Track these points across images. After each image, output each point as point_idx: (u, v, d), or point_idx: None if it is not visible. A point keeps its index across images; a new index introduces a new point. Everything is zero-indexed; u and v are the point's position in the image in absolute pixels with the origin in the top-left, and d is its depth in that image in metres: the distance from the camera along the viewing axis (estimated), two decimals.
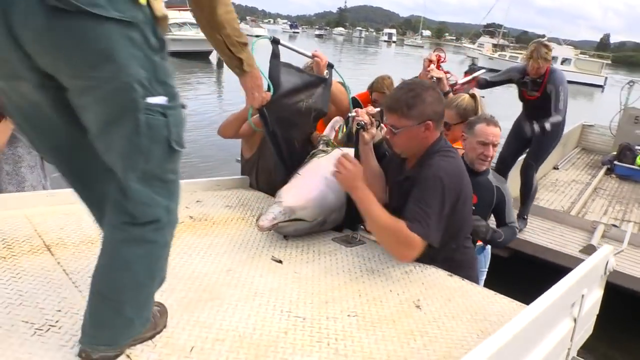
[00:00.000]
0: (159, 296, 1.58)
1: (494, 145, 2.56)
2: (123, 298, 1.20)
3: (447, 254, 2.07)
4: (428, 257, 2.01)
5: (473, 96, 2.84)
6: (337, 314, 1.61)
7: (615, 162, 8.41)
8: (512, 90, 4.77)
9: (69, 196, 2.33)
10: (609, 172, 8.39)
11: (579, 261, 3.94)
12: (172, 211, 1.22)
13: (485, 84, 4.13)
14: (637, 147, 8.51)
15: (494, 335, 1.07)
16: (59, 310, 1.44)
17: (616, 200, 6.92)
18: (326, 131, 2.75)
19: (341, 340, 1.46)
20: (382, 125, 2.38)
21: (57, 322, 1.38)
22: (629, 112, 9.26)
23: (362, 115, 2.18)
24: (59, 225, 2.08)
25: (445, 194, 1.90)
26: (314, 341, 1.44)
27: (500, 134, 2.59)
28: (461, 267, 2.09)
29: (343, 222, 2.40)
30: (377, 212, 1.88)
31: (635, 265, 4.12)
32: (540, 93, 4.21)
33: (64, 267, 1.72)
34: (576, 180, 7.70)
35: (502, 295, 1.93)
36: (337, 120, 2.43)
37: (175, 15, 30.32)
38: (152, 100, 1.10)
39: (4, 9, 0.97)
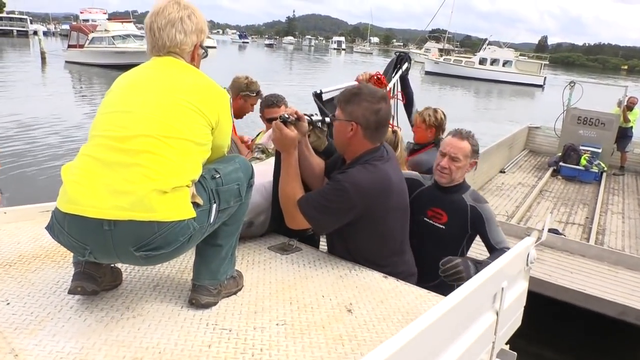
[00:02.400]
0: (74, 314, 1.53)
1: (452, 159, 2.43)
2: (220, 242, 1.69)
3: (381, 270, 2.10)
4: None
5: (394, 132, 2.72)
6: (265, 323, 1.59)
7: (561, 164, 8.51)
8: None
9: None
10: (555, 173, 8.50)
11: None
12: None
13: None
14: (581, 148, 8.64)
15: (406, 328, 1.07)
16: None
17: (561, 202, 6.96)
18: (263, 139, 2.73)
19: (266, 350, 1.44)
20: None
21: None
22: (571, 113, 9.39)
23: (290, 110, 2.09)
24: None
25: (345, 203, 1.95)
26: (238, 353, 1.41)
27: (465, 148, 2.43)
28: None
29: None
30: (288, 179, 2.04)
31: (557, 271, 3.99)
32: None
33: None
34: (522, 183, 7.77)
35: (434, 294, 1.97)
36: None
37: (119, 28, 29.61)
38: (212, 219, 1.56)
39: (113, 254, 1.45)
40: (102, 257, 1.48)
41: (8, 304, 1.57)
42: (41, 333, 1.42)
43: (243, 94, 3.66)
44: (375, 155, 2.05)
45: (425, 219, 2.53)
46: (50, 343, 1.37)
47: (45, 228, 1.51)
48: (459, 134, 2.50)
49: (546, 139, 10.24)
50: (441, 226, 2.48)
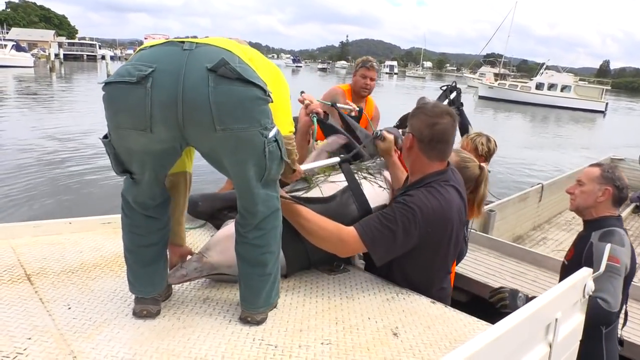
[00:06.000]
0: (129, 321, 1.59)
1: (578, 183, 2.42)
2: (270, 271, 1.65)
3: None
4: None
5: (481, 168, 2.54)
6: (310, 342, 1.60)
7: None
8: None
9: (53, 226, 2.37)
10: (638, 210, 7.63)
11: None
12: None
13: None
14: None
15: (450, 354, 1.05)
16: (29, 338, 1.44)
17: (639, 242, 6.17)
18: (309, 160, 2.39)
19: None
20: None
21: (25, 349, 1.39)
22: None
23: (312, 102, 2.01)
24: (43, 255, 2.10)
25: (411, 224, 1.91)
26: None
27: (591, 172, 2.40)
28: None
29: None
30: (307, 216, 1.91)
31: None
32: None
33: (40, 296, 1.73)
34: None
35: (485, 322, 1.90)
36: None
37: None
38: (270, 134, 1.46)
39: (181, 75, 1.31)
40: (163, 81, 1.32)
41: (69, 308, 1.66)
42: (98, 337, 1.49)
43: (354, 71, 4.12)
44: (438, 178, 2.02)
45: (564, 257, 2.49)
46: (106, 348, 1.44)
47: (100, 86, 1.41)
48: (596, 163, 2.45)
49: (631, 173, 8.91)
50: (565, 261, 2.39)
